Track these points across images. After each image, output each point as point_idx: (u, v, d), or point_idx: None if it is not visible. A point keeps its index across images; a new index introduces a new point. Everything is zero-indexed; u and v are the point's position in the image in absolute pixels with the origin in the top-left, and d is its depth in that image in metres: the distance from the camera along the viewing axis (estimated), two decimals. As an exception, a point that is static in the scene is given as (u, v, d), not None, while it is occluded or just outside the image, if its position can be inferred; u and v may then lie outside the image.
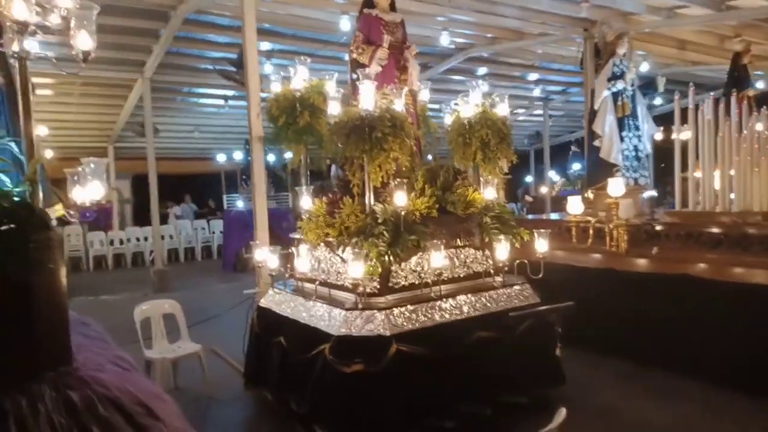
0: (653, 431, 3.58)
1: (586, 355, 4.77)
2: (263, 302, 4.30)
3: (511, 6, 7.65)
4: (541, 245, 3.96)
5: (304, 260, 3.96)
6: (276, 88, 4.44)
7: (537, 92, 13.45)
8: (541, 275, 3.90)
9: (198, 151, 15.50)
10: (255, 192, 5.14)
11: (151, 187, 9.51)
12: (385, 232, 3.54)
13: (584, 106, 8.54)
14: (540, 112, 15.13)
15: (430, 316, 3.55)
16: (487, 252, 4.13)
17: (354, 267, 3.39)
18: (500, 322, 3.70)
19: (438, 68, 10.38)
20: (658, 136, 6.70)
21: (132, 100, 10.96)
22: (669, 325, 4.42)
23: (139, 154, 10.95)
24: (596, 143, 6.35)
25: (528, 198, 14.15)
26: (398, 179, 3.65)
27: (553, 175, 15.45)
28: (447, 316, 3.61)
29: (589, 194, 6.38)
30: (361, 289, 3.46)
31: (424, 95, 4.70)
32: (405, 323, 3.42)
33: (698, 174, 5.21)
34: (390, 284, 3.67)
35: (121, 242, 12.97)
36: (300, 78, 4.39)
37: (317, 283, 3.89)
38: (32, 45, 2.15)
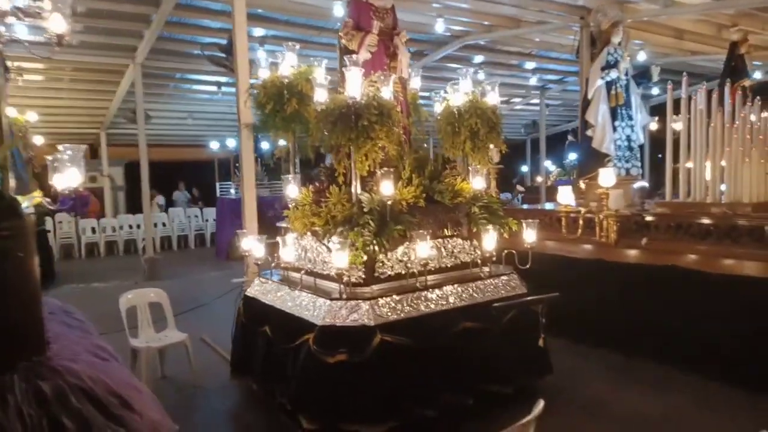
0: (643, 422, 3.58)
1: (576, 346, 4.77)
2: (249, 291, 4.28)
3: (508, -8, 7.59)
4: (529, 235, 3.93)
5: (290, 249, 3.92)
6: (264, 74, 4.37)
7: (534, 81, 13.32)
8: (528, 265, 3.87)
9: (191, 138, 15.35)
10: (243, 180, 5.10)
11: (143, 174, 9.43)
12: (370, 222, 3.51)
13: (580, 95, 8.48)
14: (537, 101, 15.03)
15: (415, 306, 3.52)
16: (474, 242, 4.10)
17: (339, 256, 3.36)
18: (486, 312, 3.68)
19: (433, 56, 10.27)
20: (653, 126, 6.67)
21: (124, 86, 10.84)
22: (658, 317, 4.42)
23: (132, 140, 10.86)
24: (589, 133, 6.31)
25: (519, 188, 14.08)
26: (385, 168, 3.61)
27: (549, 164, 15.39)
28: (433, 306, 3.58)
29: (581, 184, 6.35)
30: (346, 278, 3.44)
31: (415, 83, 4.63)
32: (390, 313, 3.40)
33: (690, 165, 5.19)
34: (376, 274, 3.64)
35: (114, 230, 12.93)
36: (288, 64, 4.31)
37: (303, 272, 3.86)
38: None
